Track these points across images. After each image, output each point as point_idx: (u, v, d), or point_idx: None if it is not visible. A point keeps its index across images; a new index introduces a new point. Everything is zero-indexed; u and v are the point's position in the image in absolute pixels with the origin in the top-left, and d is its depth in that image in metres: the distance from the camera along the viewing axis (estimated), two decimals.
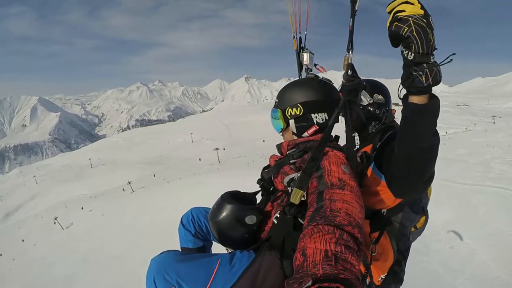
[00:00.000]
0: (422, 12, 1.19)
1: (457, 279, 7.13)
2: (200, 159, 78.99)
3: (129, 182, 52.13)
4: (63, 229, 36.12)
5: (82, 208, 42.11)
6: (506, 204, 10.90)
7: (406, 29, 1.18)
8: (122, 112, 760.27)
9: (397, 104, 1.90)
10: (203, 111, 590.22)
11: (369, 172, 1.73)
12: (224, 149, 73.92)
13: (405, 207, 1.88)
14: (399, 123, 1.64)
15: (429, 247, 8.55)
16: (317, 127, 1.89)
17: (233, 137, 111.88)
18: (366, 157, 1.71)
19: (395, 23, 1.21)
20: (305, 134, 1.93)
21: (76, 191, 67.67)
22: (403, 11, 1.20)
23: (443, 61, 1.27)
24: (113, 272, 17.93)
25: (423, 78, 1.24)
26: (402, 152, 1.38)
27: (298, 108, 1.89)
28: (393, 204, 1.77)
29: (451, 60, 1.26)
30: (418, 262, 7.49)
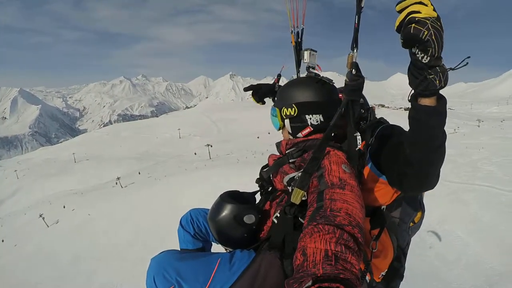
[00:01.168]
0: (435, 14, 1.17)
1: (453, 270, 7.59)
2: (195, 153, 78.80)
3: (118, 178, 51.33)
4: (48, 226, 35.31)
5: (64, 207, 41.22)
6: (495, 201, 11.65)
7: (426, 33, 1.15)
8: (104, 106, 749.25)
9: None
10: (187, 107, 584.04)
11: (365, 170, 1.74)
12: (211, 146, 73.72)
13: (403, 202, 1.88)
14: (380, 118, 2.01)
15: (425, 241, 9.06)
16: (311, 129, 1.88)
17: (222, 133, 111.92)
18: (361, 155, 1.72)
19: (413, 25, 1.17)
20: (299, 135, 1.92)
21: (60, 187, 66.75)
22: (419, 12, 1.17)
23: (458, 64, 1.26)
24: (106, 272, 17.73)
25: (437, 81, 1.24)
26: (417, 153, 1.39)
27: (293, 109, 1.89)
28: (391, 200, 1.77)
29: (467, 63, 1.24)
30: (416, 255, 7.73)
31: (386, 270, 1.81)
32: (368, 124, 1.99)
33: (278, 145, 2.06)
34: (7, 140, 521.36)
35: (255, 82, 2.30)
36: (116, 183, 50.68)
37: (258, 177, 2.08)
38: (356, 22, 1.44)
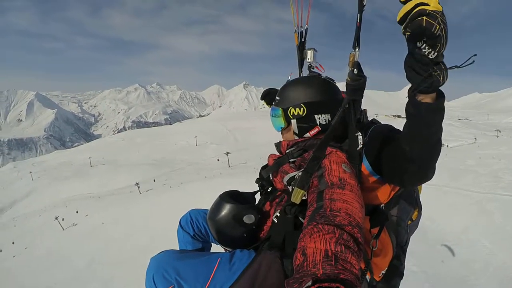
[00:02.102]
0: (441, 8, 1.14)
1: (480, 278, 7.52)
2: (218, 160, 78.84)
3: (137, 184, 50.98)
4: (63, 229, 35.80)
5: (77, 212, 41.38)
6: None
7: (438, 27, 1.12)
8: (119, 112, 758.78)
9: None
10: (200, 116, 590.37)
11: (362, 169, 1.68)
12: (228, 153, 73.32)
13: (401, 200, 1.86)
14: (374, 120, 1.98)
15: (451, 251, 9.08)
16: (320, 128, 1.86)
17: (239, 142, 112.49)
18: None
19: (425, 17, 1.12)
20: (307, 134, 1.89)
21: (76, 190, 66.50)
22: (427, 4, 1.13)
23: (464, 62, 1.21)
24: (122, 278, 17.35)
25: (441, 78, 1.23)
26: (417, 149, 1.39)
27: (302, 109, 1.86)
28: (388, 199, 1.76)
29: (473, 61, 1.19)
30: (442, 264, 8.00)
31: (386, 268, 1.82)
32: (360, 126, 1.89)
33: (278, 145, 2.04)
34: (22, 142, 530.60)
35: None
36: (136, 189, 50.47)
37: (258, 177, 2.06)
38: (358, 20, 1.43)
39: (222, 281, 1.52)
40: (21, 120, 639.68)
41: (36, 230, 40.17)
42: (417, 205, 2.01)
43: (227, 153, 72.84)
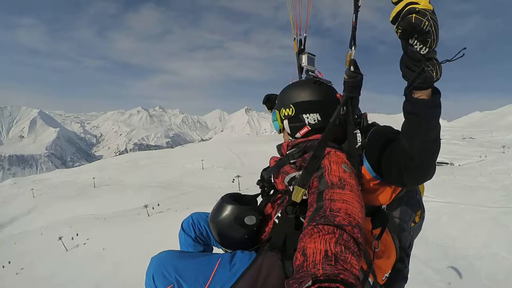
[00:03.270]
0: (432, 7, 1.21)
1: None
2: (233, 181, 77.55)
3: (146, 206, 50.27)
4: (67, 250, 34.95)
5: (85, 231, 40.55)
6: None
7: (427, 23, 1.18)
8: (120, 134, 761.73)
9: None
10: (202, 140, 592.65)
11: (362, 170, 1.69)
12: (239, 177, 71.94)
13: (403, 202, 1.85)
14: (374, 123, 1.99)
15: (473, 265, 9.45)
16: (309, 128, 1.90)
17: (246, 165, 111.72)
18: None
19: (414, 15, 1.20)
20: (297, 134, 1.95)
21: (79, 210, 65.38)
22: (417, 3, 1.21)
23: (455, 56, 1.27)
24: None
25: (434, 73, 1.27)
26: (416, 146, 1.40)
27: (290, 109, 1.93)
28: (390, 200, 1.76)
29: (463, 54, 1.26)
30: (466, 279, 8.24)
31: (390, 271, 1.82)
32: (361, 128, 1.94)
33: (279, 147, 2.06)
34: (23, 158, 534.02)
35: (270, 117, 2.24)
36: (143, 211, 49.55)
37: (259, 178, 2.07)
38: (354, 21, 1.50)
39: (223, 282, 1.52)
40: (23, 137, 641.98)
41: (38, 249, 39.17)
42: (419, 207, 1.96)
43: (238, 176, 71.76)
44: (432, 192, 20.09)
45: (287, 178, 1.65)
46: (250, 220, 1.82)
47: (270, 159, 2.07)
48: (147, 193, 71.24)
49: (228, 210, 1.87)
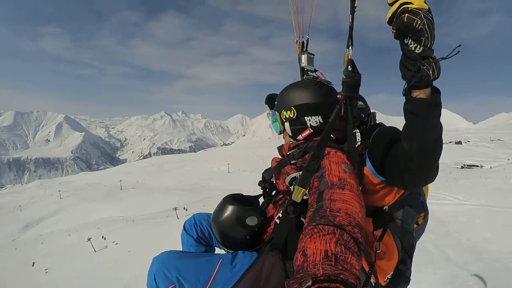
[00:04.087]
0: (427, 6, 1.24)
1: None
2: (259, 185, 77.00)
3: (175, 209, 49.46)
4: (95, 251, 34.61)
5: (113, 233, 40.61)
6: None
7: (419, 22, 1.21)
8: (144, 139, 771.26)
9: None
10: (224, 144, 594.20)
11: (365, 171, 1.72)
12: None
13: (405, 203, 1.81)
14: (378, 123, 2.06)
15: (509, 268, 8.69)
16: (311, 130, 1.91)
17: None
18: (360, 156, 1.70)
19: (407, 14, 1.23)
20: (299, 137, 1.94)
21: (106, 212, 64.93)
22: (411, 3, 1.24)
23: (450, 53, 1.27)
24: None
25: (430, 72, 1.28)
26: (416, 146, 1.40)
27: (292, 111, 1.91)
28: (393, 201, 1.75)
29: (458, 52, 1.26)
30: (502, 281, 7.60)
31: (392, 273, 1.82)
32: (367, 128, 2.02)
33: (280, 148, 2.06)
34: (49, 161, 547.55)
35: None
36: (173, 213, 48.75)
37: (261, 179, 2.08)
38: (350, 21, 1.51)
39: (224, 282, 1.53)
40: (49, 141, 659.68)
41: (65, 249, 39.12)
42: (423, 209, 1.93)
43: None
44: (464, 195, 19.82)
45: (288, 179, 1.63)
46: (251, 220, 1.82)
47: (272, 160, 2.03)
48: (174, 196, 70.03)
49: (229, 210, 1.87)
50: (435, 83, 1.36)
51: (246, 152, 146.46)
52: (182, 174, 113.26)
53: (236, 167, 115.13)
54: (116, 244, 35.66)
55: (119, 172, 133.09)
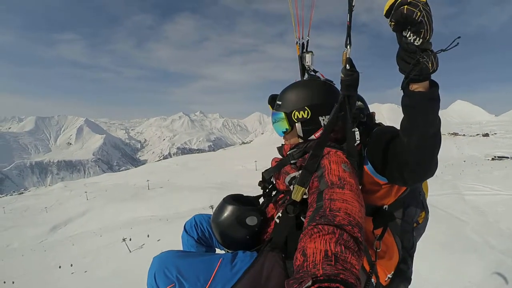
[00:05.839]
0: None
1: None
2: None
3: (211, 206, 46.62)
4: (130, 251, 33.33)
5: (148, 236, 38.35)
6: None
7: (419, 14, 1.19)
8: (164, 139, 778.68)
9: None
10: (243, 143, 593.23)
11: (364, 170, 1.71)
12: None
13: (405, 202, 1.81)
14: (378, 122, 2.04)
15: None
16: None
17: None
18: (359, 155, 1.70)
19: (406, 6, 1.21)
20: (312, 137, 1.91)
21: (136, 212, 64.11)
22: None
23: (449, 45, 1.26)
24: None
25: (430, 64, 1.27)
26: (415, 140, 1.39)
27: (306, 111, 1.89)
28: (393, 200, 1.74)
29: (457, 44, 1.25)
30: None
31: (393, 272, 1.82)
32: (366, 128, 1.98)
33: (280, 149, 2.06)
34: (71, 164, 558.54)
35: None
36: (208, 211, 45.60)
37: (261, 179, 2.07)
38: (348, 20, 1.50)
39: (224, 281, 1.53)
40: (70, 144, 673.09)
41: (98, 250, 38.27)
42: (423, 208, 1.93)
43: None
44: (499, 186, 19.01)
45: (288, 178, 1.64)
46: (251, 220, 1.83)
47: (272, 160, 2.03)
48: (205, 194, 68.90)
49: (229, 210, 1.88)
50: (433, 76, 1.33)
51: (267, 149, 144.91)
52: (208, 172, 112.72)
53: (262, 165, 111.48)
54: (154, 242, 34.15)
55: (143, 172, 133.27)
